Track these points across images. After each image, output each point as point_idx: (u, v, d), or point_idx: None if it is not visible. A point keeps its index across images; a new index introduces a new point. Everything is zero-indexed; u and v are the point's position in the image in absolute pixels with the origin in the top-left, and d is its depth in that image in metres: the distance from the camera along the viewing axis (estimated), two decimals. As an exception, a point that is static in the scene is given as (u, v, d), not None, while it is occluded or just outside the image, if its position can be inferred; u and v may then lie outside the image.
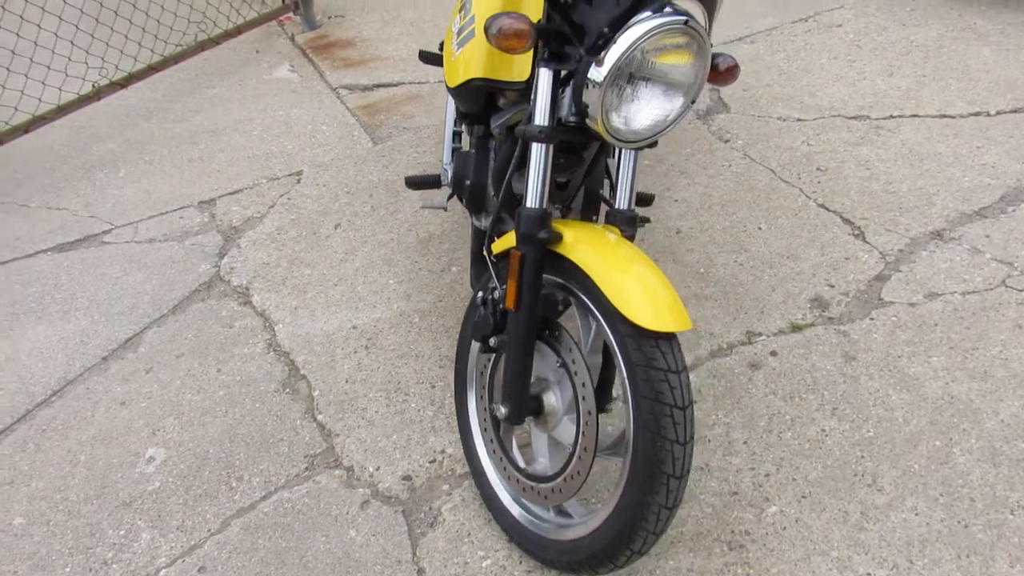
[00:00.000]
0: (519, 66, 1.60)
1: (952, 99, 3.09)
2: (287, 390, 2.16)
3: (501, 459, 1.67)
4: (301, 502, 1.85)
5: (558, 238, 1.46)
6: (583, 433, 1.47)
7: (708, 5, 1.37)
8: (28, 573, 1.75)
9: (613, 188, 1.98)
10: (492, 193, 1.93)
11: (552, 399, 1.56)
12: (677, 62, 1.35)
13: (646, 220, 2.09)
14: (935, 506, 1.70)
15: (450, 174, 2.07)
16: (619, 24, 1.30)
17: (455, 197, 2.08)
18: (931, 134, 2.90)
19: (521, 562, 1.66)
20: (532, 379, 1.57)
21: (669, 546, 1.67)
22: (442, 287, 2.46)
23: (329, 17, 4.66)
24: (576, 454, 1.48)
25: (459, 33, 1.84)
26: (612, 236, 1.50)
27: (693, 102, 1.44)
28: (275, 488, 1.89)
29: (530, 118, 1.43)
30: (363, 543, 1.74)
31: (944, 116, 3.00)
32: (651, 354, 1.35)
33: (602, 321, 1.41)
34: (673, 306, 1.37)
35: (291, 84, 3.93)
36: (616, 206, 1.57)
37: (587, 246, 1.44)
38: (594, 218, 1.95)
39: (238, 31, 4.06)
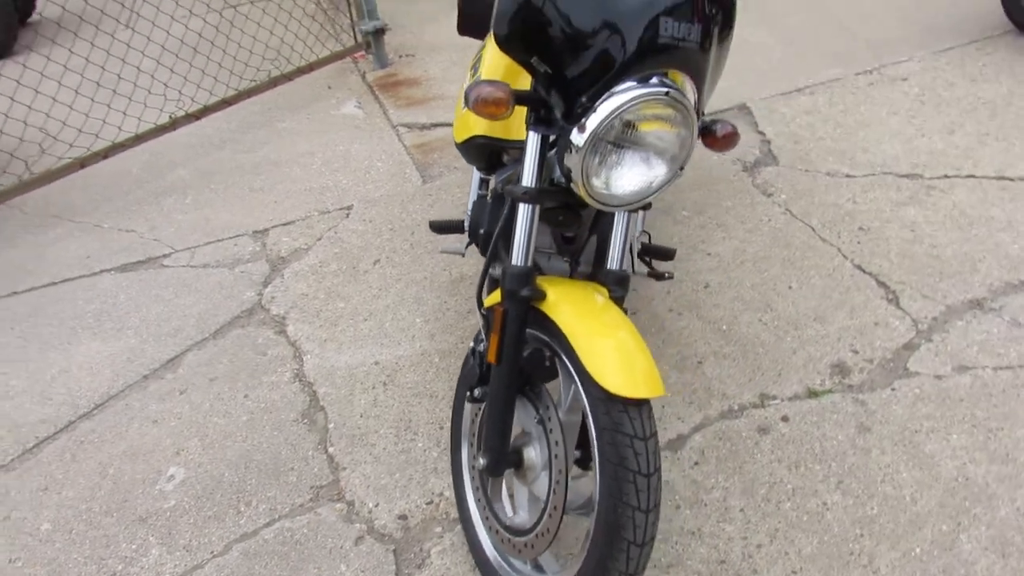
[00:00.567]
0: (518, 125, 1.65)
1: (1014, 160, 2.97)
2: (305, 420, 2.25)
3: (485, 508, 1.70)
4: (300, 532, 1.92)
5: (541, 296, 1.49)
6: (554, 491, 1.48)
7: (697, 75, 1.39)
8: (46, 577, 1.88)
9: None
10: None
11: (532, 454, 1.58)
12: (659, 130, 1.37)
13: (669, 275, 2.10)
14: (933, 594, 1.63)
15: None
16: (600, 92, 1.33)
17: (473, 244, 2.13)
18: (985, 196, 2.79)
19: (499, 612, 1.68)
20: (517, 432, 1.59)
21: (648, 610, 1.65)
22: (466, 329, 2.51)
23: (400, 56, 4.84)
24: (547, 511, 1.50)
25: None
26: (599, 298, 1.52)
27: (682, 169, 1.45)
28: (279, 516, 1.97)
29: (519, 178, 1.48)
30: (352, 578, 1.80)
31: (1002, 178, 2.88)
32: (619, 419, 1.36)
33: (578, 382, 1.43)
34: (648, 373, 1.38)
35: (355, 120, 4.09)
36: (608, 266, 1.59)
37: (569, 306, 1.47)
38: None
39: (310, 68, 4.26)
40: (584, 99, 1.33)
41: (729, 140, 1.53)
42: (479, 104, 1.34)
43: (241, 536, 1.93)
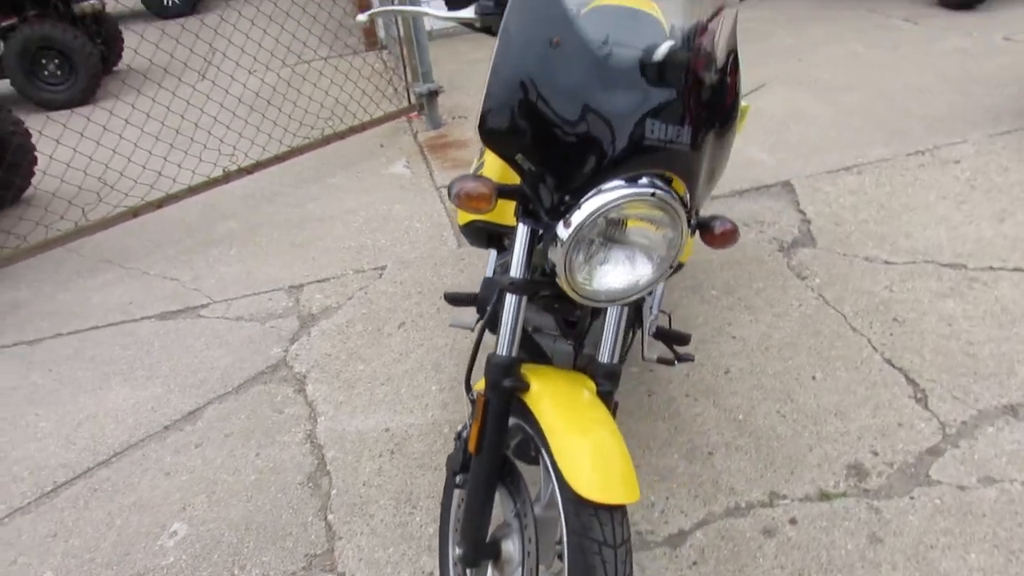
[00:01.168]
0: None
1: (1067, 255, 2.83)
2: (310, 484, 2.26)
3: (464, 597, 1.67)
4: (288, 602, 1.92)
5: (525, 387, 1.47)
6: (527, 589, 1.44)
7: (688, 176, 1.37)
8: (40, 627, 1.91)
9: (642, 323, 1.98)
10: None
11: (510, 547, 1.54)
12: (646, 230, 1.35)
13: (689, 357, 2.06)
14: None
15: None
16: (586, 189, 1.32)
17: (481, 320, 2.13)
18: (1033, 293, 2.66)
19: None
20: (499, 523, 1.56)
21: None
22: (479, 399, 2.50)
23: (454, 117, 4.96)
24: (517, 609, 1.46)
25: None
26: (585, 393, 1.49)
27: (672, 268, 1.43)
28: (270, 583, 1.97)
29: (507, 267, 1.48)
30: (330, 655, 1.78)
31: (1053, 274, 2.74)
32: (588, 523, 1.32)
33: (553, 480, 1.40)
34: (624, 476, 1.34)
35: (402, 180, 4.19)
36: (599, 358, 1.56)
37: (551, 401, 1.45)
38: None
39: (363, 127, 4.40)
40: (568, 198, 1.33)
41: (728, 237, 1.49)
42: (461, 199, 1.36)
43: (230, 601, 1.94)
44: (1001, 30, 5.40)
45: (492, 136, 1.35)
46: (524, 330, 1.82)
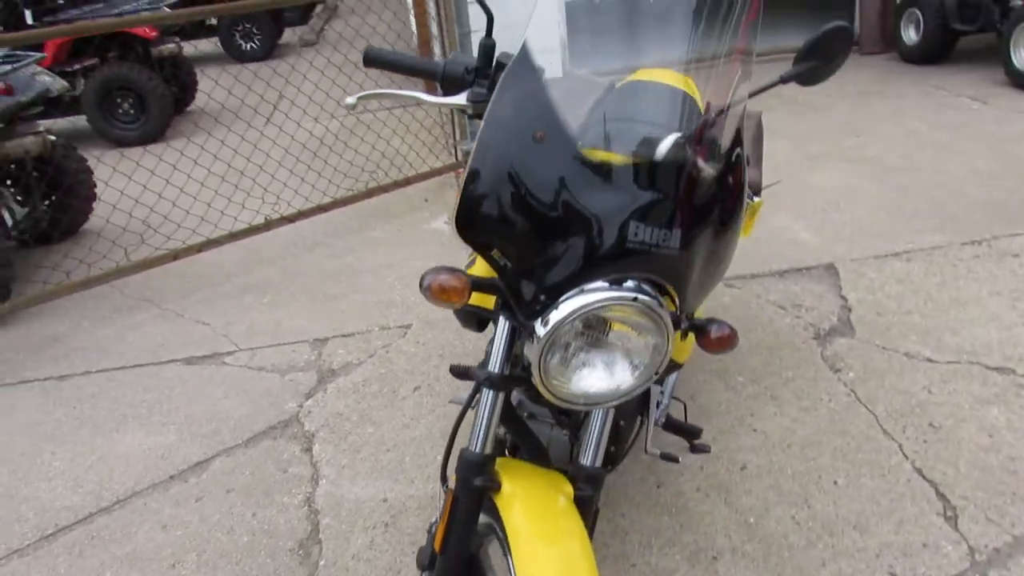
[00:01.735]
0: (504, 300, 1.61)
1: None
2: (300, 551, 2.22)
3: None
4: None
5: (496, 487, 1.41)
6: None
7: (675, 281, 1.31)
8: None
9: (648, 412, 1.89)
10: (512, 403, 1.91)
11: (475, 652, 1.46)
12: (627, 334, 1.28)
13: (706, 448, 1.96)
14: None
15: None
16: (565, 288, 1.26)
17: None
18: (1086, 407, 2.46)
19: None
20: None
21: None
22: (482, 475, 2.43)
23: (500, 174, 4.96)
24: None
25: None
26: (561, 498, 1.41)
27: (658, 374, 1.35)
28: (243, 656, 1.92)
29: (486, 361, 1.43)
30: None
31: (1110, 387, 2.54)
32: (545, 643, 1.23)
33: (516, 588, 1.32)
34: (588, 594, 1.26)
35: (441, 236, 4.20)
36: (580, 461, 1.49)
37: (522, 504, 1.38)
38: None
39: (407, 182, 4.44)
40: (544, 297, 1.27)
41: (724, 342, 1.41)
42: (433, 292, 1.31)
43: (201, 671, 1.89)
44: (1077, 115, 5.17)
45: (468, 230, 1.31)
46: (518, 417, 1.76)
